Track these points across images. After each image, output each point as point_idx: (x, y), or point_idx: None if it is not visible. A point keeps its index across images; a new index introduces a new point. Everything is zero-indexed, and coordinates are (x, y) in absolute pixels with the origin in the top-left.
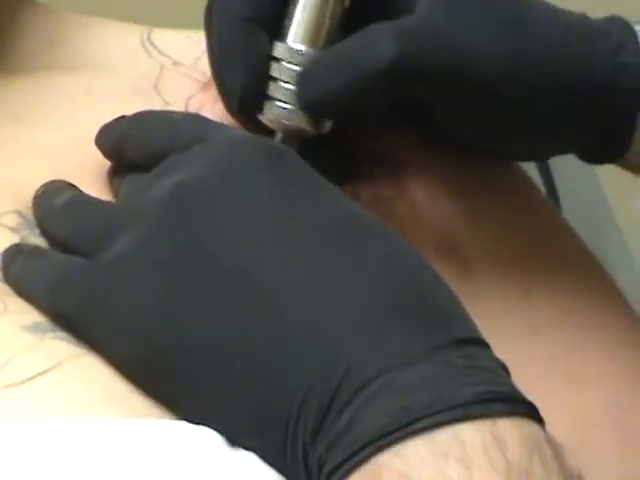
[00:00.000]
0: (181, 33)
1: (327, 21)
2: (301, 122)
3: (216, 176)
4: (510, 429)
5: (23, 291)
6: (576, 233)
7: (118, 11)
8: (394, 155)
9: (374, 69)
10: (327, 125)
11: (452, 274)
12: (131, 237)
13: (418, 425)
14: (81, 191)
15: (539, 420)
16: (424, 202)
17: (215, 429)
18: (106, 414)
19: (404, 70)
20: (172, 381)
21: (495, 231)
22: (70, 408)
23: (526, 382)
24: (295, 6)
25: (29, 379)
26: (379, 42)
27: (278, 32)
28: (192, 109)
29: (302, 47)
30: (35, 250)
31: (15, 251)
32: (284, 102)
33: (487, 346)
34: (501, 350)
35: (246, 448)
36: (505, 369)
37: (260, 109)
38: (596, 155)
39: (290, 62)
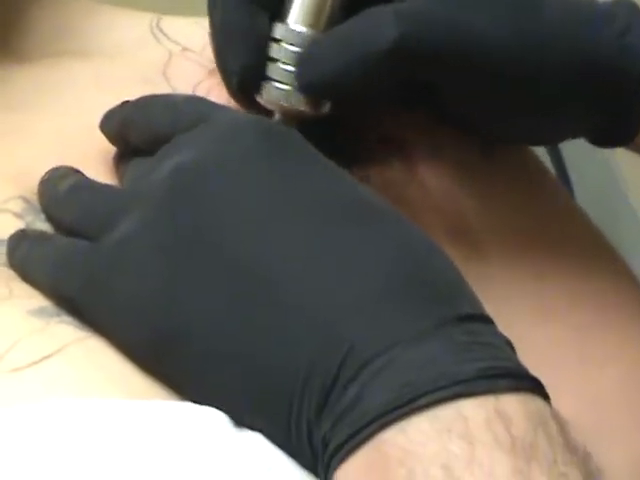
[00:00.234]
0: (190, 20)
1: (328, 3)
2: (299, 103)
3: (216, 158)
4: (514, 404)
5: (28, 276)
6: (588, 216)
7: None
8: (405, 140)
9: (375, 51)
10: (326, 107)
11: (464, 258)
12: (134, 220)
13: (421, 401)
14: (86, 176)
15: (544, 396)
16: (435, 186)
17: (220, 410)
18: (112, 396)
19: (406, 52)
20: (176, 363)
21: (507, 215)
22: (76, 391)
23: (539, 364)
24: None
25: (35, 362)
26: (380, 24)
27: (279, 13)
28: (200, 95)
29: (303, 28)
30: (40, 235)
31: (20, 236)
32: (283, 83)
33: (491, 322)
34: (514, 333)
35: (252, 428)
36: (510, 345)
37: (259, 90)
38: (606, 137)
39: (290, 43)
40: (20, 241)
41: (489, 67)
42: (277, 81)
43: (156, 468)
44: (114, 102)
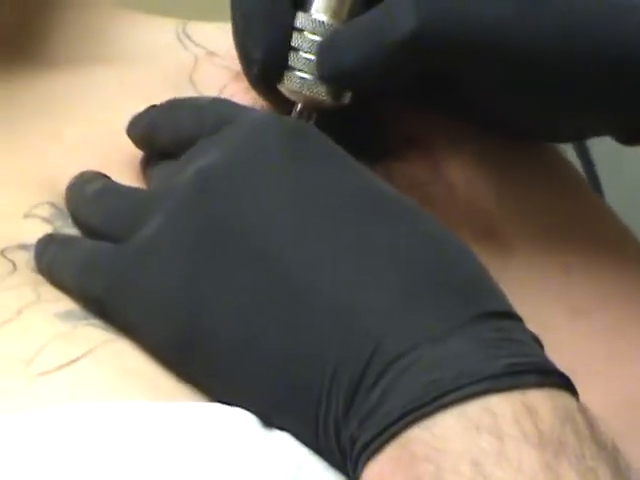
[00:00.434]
0: (216, 25)
1: None
2: (321, 93)
3: (240, 158)
4: (541, 399)
5: (55, 279)
6: (616, 214)
7: (153, 5)
8: (429, 138)
9: (395, 40)
10: (347, 97)
11: (490, 255)
12: (159, 221)
13: (448, 398)
14: (112, 180)
15: (573, 391)
16: (460, 184)
17: (248, 410)
18: (139, 398)
19: (424, 42)
20: (202, 363)
21: (533, 212)
22: (103, 393)
23: (568, 361)
24: None
25: (62, 366)
26: (400, 13)
27: (301, 3)
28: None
29: (325, 18)
30: (66, 238)
31: (47, 241)
32: (305, 72)
33: (519, 319)
34: (542, 330)
35: (279, 428)
36: (538, 341)
37: (280, 79)
38: (633, 135)
39: (312, 32)
40: (47, 245)
41: (509, 58)
42: (299, 70)
43: (185, 470)
44: (140, 107)
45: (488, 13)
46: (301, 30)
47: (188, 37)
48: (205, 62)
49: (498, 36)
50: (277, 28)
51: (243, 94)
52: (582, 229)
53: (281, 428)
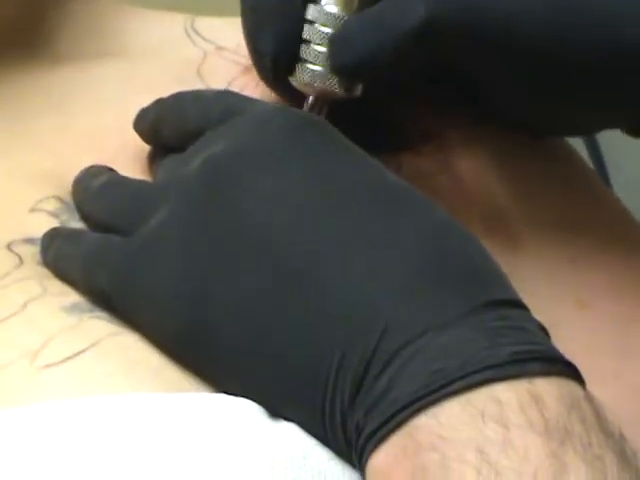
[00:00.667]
0: (225, 20)
1: None
2: (333, 85)
3: (246, 149)
4: (547, 387)
5: (60, 272)
6: (624, 207)
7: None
8: (442, 133)
9: (404, 31)
10: (358, 89)
11: (499, 247)
12: (164, 213)
13: (453, 387)
14: (119, 173)
15: (579, 379)
16: (469, 176)
17: (254, 400)
18: (145, 390)
19: (434, 32)
20: (207, 354)
21: (542, 204)
22: (109, 385)
23: (576, 353)
24: None
25: (69, 358)
26: (409, 4)
27: None
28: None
29: (336, 9)
30: (72, 232)
31: (53, 234)
32: (316, 64)
33: (525, 308)
34: (550, 321)
35: (285, 419)
36: (544, 330)
37: (292, 72)
38: None
39: (323, 24)
40: (53, 239)
41: (519, 48)
42: (310, 62)
43: (191, 460)
44: (147, 102)
45: (500, 6)
46: (312, 22)
47: (196, 32)
48: (214, 56)
49: (507, 25)
50: (288, 21)
51: (253, 87)
52: (590, 223)
53: (287, 419)
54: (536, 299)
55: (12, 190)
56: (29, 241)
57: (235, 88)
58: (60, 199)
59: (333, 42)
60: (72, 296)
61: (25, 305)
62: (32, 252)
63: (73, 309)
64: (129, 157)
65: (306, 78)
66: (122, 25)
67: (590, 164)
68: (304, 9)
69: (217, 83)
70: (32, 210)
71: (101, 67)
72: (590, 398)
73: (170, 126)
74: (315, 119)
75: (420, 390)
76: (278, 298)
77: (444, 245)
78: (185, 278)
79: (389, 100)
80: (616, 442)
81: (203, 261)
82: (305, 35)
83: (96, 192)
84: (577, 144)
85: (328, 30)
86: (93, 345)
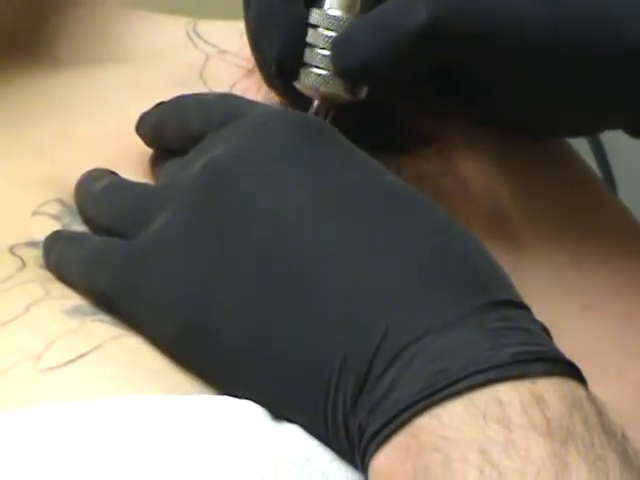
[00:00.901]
0: (227, 23)
1: None
2: (337, 88)
3: (246, 152)
4: (549, 388)
5: (62, 275)
6: (627, 209)
7: (164, 4)
8: (441, 132)
9: (407, 32)
10: (363, 92)
11: (501, 249)
12: (165, 217)
13: (456, 387)
14: (121, 177)
15: (581, 380)
16: (471, 177)
17: (257, 403)
18: (148, 393)
19: (436, 33)
20: (209, 357)
21: (544, 206)
22: (112, 388)
23: (578, 353)
24: None
25: (71, 361)
26: (411, 5)
27: None
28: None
29: (339, 13)
30: (74, 235)
31: (55, 238)
32: (321, 68)
33: (527, 308)
34: (552, 322)
35: (288, 420)
36: (546, 331)
37: (297, 76)
38: None
39: (327, 28)
40: (55, 242)
41: (521, 49)
42: (315, 66)
43: (194, 462)
44: (150, 106)
45: (503, 6)
46: (316, 26)
47: (199, 36)
48: (216, 59)
49: (509, 27)
50: (292, 25)
51: (255, 90)
52: (593, 225)
53: (290, 420)
54: (539, 300)
55: (14, 194)
56: (31, 244)
57: (237, 91)
58: (62, 202)
59: (336, 45)
60: (74, 299)
61: (28, 308)
62: (34, 255)
63: (75, 312)
64: (131, 160)
65: (311, 82)
66: (124, 29)
67: (595, 164)
68: (307, 13)
69: (219, 86)
70: (34, 214)
71: (103, 71)
72: (592, 398)
73: (172, 129)
74: (315, 121)
75: (423, 391)
76: (279, 300)
77: (445, 246)
78: (186, 281)
79: (390, 102)
80: (618, 442)
81: (204, 264)
82: (309, 39)
83: (98, 195)
84: (581, 144)
85: (332, 34)
86: (96, 348)
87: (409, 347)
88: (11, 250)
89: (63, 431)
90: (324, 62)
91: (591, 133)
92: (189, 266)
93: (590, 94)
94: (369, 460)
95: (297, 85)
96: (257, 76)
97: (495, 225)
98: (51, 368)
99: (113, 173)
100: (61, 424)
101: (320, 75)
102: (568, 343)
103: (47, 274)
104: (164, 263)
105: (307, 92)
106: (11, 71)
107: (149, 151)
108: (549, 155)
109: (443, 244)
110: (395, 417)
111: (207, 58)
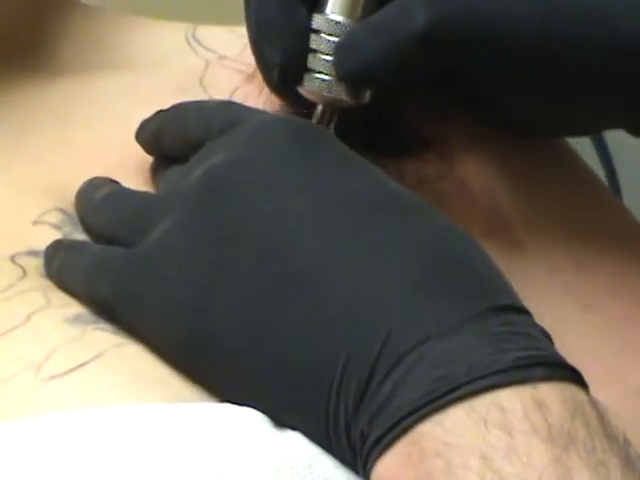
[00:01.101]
0: (226, 29)
1: None
2: (340, 93)
3: (246, 158)
4: (551, 393)
5: (64, 284)
6: (627, 209)
7: (163, 10)
8: (442, 135)
9: (406, 37)
10: (366, 96)
11: (502, 251)
12: (166, 225)
13: (457, 393)
14: (121, 185)
15: (582, 384)
16: (472, 180)
17: (258, 409)
18: (150, 401)
19: (436, 37)
20: (211, 362)
21: (545, 207)
22: (114, 396)
23: (579, 355)
24: None
25: (73, 370)
26: (412, 10)
27: (317, 4)
28: (237, 101)
29: (340, 18)
30: (75, 244)
31: (56, 247)
32: (324, 74)
33: (528, 313)
34: (553, 325)
35: (290, 427)
36: (547, 335)
37: (300, 82)
38: None
39: (329, 33)
40: (56, 251)
41: (521, 52)
42: (318, 72)
43: (196, 470)
44: (150, 113)
45: (498, 8)
46: (318, 31)
47: (198, 41)
48: (215, 65)
49: (507, 28)
50: (294, 31)
51: (256, 96)
52: (594, 226)
53: (291, 427)
54: (540, 303)
55: (15, 203)
56: (32, 253)
57: (238, 97)
58: (63, 211)
59: (338, 50)
60: (75, 307)
61: (29, 317)
62: (35, 264)
63: (76, 320)
64: (131, 169)
65: (314, 87)
66: (124, 36)
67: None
68: (310, 19)
69: (220, 92)
70: (35, 223)
71: (103, 79)
72: (594, 403)
73: (172, 136)
74: (314, 127)
75: (424, 396)
76: (280, 306)
77: (446, 251)
78: (187, 287)
79: (392, 106)
80: (620, 447)
81: (205, 270)
82: (312, 45)
83: (99, 204)
84: (584, 143)
85: (334, 39)
86: (97, 356)
87: (411, 352)
88: (12, 259)
89: (65, 440)
90: (327, 67)
91: (592, 132)
92: (189, 272)
93: (589, 93)
94: (371, 467)
95: (300, 90)
96: (257, 81)
97: (496, 228)
98: (52, 377)
99: (114, 182)
100: (63, 433)
101: (323, 80)
102: (569, 345)
103: (48, 283)
104: (165, 270)
105: (310, 97)
106: (11, 78)
107: (149, 159)
108: (550, 156)
109: (443, 248)
110: (397, 424)
111: (207, 64)
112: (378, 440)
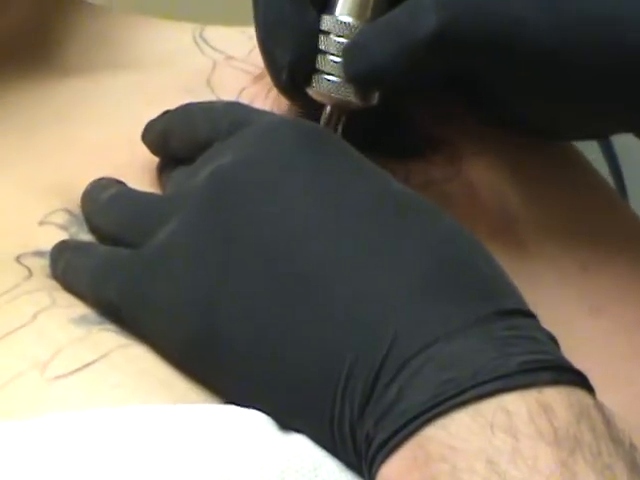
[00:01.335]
0: (235, 29)
1: None
2: (349, 95)
3: (253, 160)
4: (557, 397)
5: (69, 284)
6: (635, 213)
7: (169, 11)
8: (449, 137)
9: (416, 39)
10: (375, 98)
11: (508, 254)
12: (172, 226)
13: (463, 397)
14: (128, 186)
15: (588, 388)
16: (480, 183)
17: (263, 411)
18: (154, 401)
19: (446, 40)
20: (216, 363)
21: (551, 210)
22: (118, 397)
23: (587, 359)
24: None
25: (77, 370)
26: (421, 13)
27: (326, 5)
28: (244, 101)
29: (350, 19)
30: (81, 244)
31: (62, 247)
32: (332, 75)
33: (534, 317)
34: (560, 328)
35: (295, 430)
36: (553, 339)
37: (308, 83)
38: None
39: (338, 35)
40: (62, 252)
41: (530, 55)
42: (327, 73)
43: (202, 472)
44: (157, 113)
45: (507, 12)
46: (327, 33)
47: (205, 42)
48: (223, 66)
49: (518, 34)
50: (304, 32)
51: (263, 97)
52: (602, 229)
53: (297, 430)
54: (547, 305)
55: (21, 203)
56: (38, 254)
57: (245, 98)
58: (69, 212)
59: (347, 51)
60: (81, 308)
61: (35, 316)
62: (41, 265)
63: (82, 321)
64: (138, 169)
65: (323, 88)
66: (131, 36)
67: (605, 167)
68: (319, 20)
69: (227, 93)
70: (41, 223)
71: (110, 78)
72: (600, 406)
73: (178, 137)
74: (321, 129)
75: (430, 400)
76: (285, 308)
77: (452, 253)
78: (194, 288)
79: (398, 108)
80: (626, 451)
81: (211, 271)
82: (321, 46)
83: (105, 204)
84: (592, 148)
85: (343, 40)
86: (102, 357)
87: (418, 355)
88: (18, 259)
89: (69, 440)
90: (336, 68)
91: (599, 136)
92: (196, 273)
93: (595, 97)
94: (376, 470)
95: (309, 91)
96: (265, 82)
97: (503, 230)
98: (58, 377)
99: (120, 182)
100: (67, 433)
101: (332, 81)
102: (577, 348)
103: (54, 283)
104: (171, 271)
105: (319, 98)
106: (18, 78)
107: (156, 160)
108: (557, 159)
109: (449, 251)
110: (403, 427)
111: (214, 64)
112: (383, 443)
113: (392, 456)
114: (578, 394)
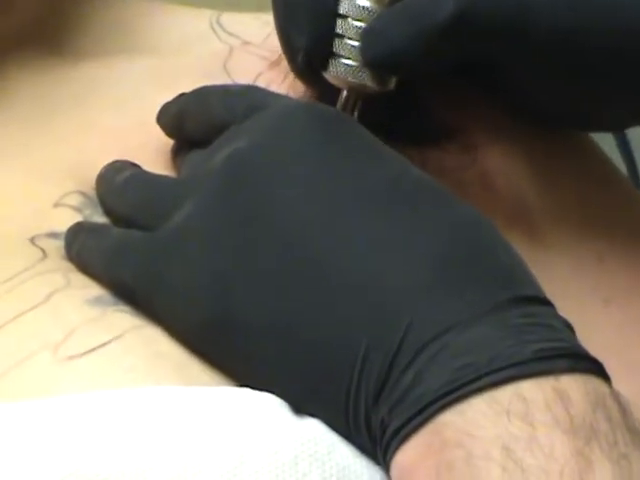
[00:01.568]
0: (251, 15)
1: None
2: (366, 79)
3: (269, 144)
4: (573, 385)
5: (84, 266)
6: None
7: None
8: (469, 127)
9: (434, 24)
10: (392, 83)
11: (524, 242)
12: (188, 209)
13: (479, 383)
14: (142, 169)
15: (604, 377)
16: (495, 172)
17: (277, 395)
18: (168, 383)
19: (464, 25)
20: (231, 350)
21: (567, 200)
22: (132, 378)
23: (601, 348)
24: None
25: (91, 350)
26: None
27: None
28: (260, 86)
29: (368, 3)
30: (96, 226)
31: (77, 229)
32: (349, 59)
33: (550, 304)
34: (574, 318)
35: (310, 415)
36: (570, 327)
37: (325, 67)
38: None
39: (356, 18)
40: (77, 234)
41: (549, 41)
42: (344, 57)
43: (216, 454)
44: (172, 97)
45: None
46: (345, 16)
47: (222, 27)
48: (240, 51)
49: (537, 19)
50: (321, 15)
51: (279, 82)
52: (617, 221)
53: (311, 415)
54: (563, 296)
55: (36, 185)
56: (53, 235)
57: (261, 83)
58: (84, 194)
59: (365, 35)
60: (96, 289)
61: (49, 297)
62: (56, 246)
63: (96, 302)
64: (153, 152)
65: (340, 72)
66: (147, 21)
67: (620, 161)
68: (337, 3)
69: (243, 78)
70: (56, 205)
71: (126, 64)
72: (616, 395)
73: (194, 120)
74: (337, 113)
75: (446, 386)
76: (302, 293)
77: (471, 240)
78: (209, 271)
79: (417, 94)
80: None
81: (227, 255)
82: (339, 29)
83: (119, 187)
84: (608, 140)
85: (361, 24)
86: (116, 338)
87: (434, 341)
88: (32, 241)
89: (82, 421)
90: (353, 53)
91: (615, 128)
92: (211, 257)
93: (610, 82)
94: (391, 456)
95: (326, 75)
96: (281, 68)
97: (518, 219)
98: (71, 357)
99: (135, 165)
100: (80, 413)
101: (349, 65)
102: (592, 338)
103: (69, 265)
104: (186, 254)
105: (335, 82)
106: (33, 63)
107: (171, 143)
108: (572, 149)
109: (468, 238)
110: (418, 413)
111: (231, 50)
112: (398, 429)
113: (407, 442)
114: (594, 382)
